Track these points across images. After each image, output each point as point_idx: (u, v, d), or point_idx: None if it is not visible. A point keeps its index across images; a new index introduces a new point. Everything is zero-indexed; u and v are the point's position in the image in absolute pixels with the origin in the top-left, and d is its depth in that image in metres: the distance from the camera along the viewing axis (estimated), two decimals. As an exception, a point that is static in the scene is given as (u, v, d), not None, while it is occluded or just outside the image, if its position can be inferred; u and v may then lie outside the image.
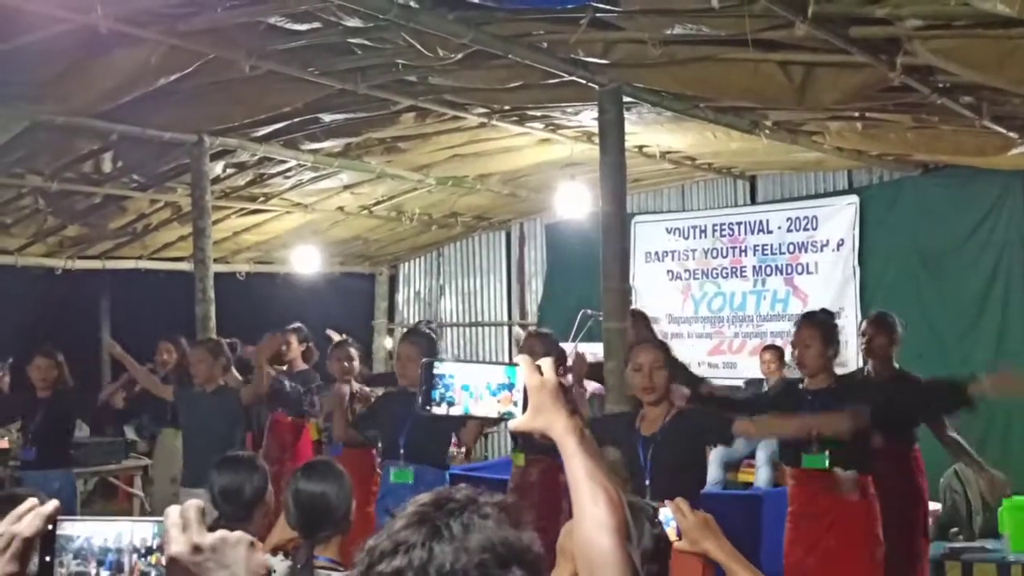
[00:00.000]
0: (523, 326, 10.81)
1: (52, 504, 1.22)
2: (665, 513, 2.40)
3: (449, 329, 11.92)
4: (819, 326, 5.08)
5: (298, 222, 9.77)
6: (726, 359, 9.76)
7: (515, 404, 1.64)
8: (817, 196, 9.61)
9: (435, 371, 1.64)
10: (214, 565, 1.17)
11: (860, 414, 4.66)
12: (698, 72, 5.37)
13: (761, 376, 8.42)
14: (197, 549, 1.18)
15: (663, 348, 4.72)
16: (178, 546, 1.18)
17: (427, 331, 6.13)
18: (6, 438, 8.28)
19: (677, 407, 4.57)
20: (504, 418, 1.66)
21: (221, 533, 1.20)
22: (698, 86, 5.64)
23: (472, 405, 1.65)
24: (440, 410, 1.64)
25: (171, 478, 7.55)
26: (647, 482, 4.45)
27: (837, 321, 5.37)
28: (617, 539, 1.51)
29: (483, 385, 1.65)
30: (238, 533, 1.21)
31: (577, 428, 1.61)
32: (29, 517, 1.20)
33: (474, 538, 1.28)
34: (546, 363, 1.66)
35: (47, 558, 1.21)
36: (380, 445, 5.77)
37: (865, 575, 4.79)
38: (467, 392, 1.65)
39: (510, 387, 1.64)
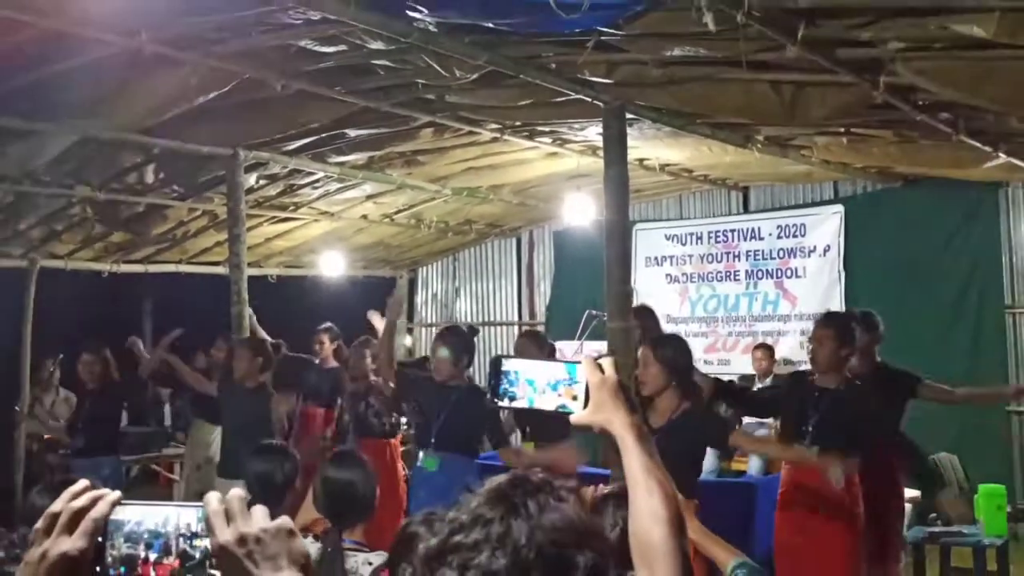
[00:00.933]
0: (531, 325, 10.80)
1: (117, 492, 1.21)
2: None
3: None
4: (833, 326, 5.02)
5: (325, 229, 9.78)
6: (720, 356, 9.75)
7: (575, 399, 1.64)
8: (805, 206, 9.60)
9: (502, 367, 1.65)
10: (260, 556, 1.16)
11: (851, 463, 4.68)
12: (695, 91, 5.37)
13: (753, 372, 8.41)
14: (243, 539, 1.16)
15: (665, 345, 4.69)
16: (225, 536, 1.16)
17: (465, 329, 6.01)
18: (49, 430, 8.32)
19: (685, 406, 4.53)
20: (563, 412, 1.65)
21: (263, 523, 1.18)
22: (695, 104, 5.63)
23: (536, 399, 1.66)
24: (505, 403, 1.65)
25: (197, 465, 7.58)
26: None
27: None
28: (670, 530, 1.52)
29: (546, 381, 1.65)
30: (279, 521, 1.19)
31: (636, 425, 1.60)
32: (103, 501, 1.19)
33: (549, 517, 1.26)
34: (607, 362, 1.65)
35: (99, 539, 1.20)
36: (413, 432, 5.78)
37: (846, 554, 4.79)
38: (531, 387, 1.65)
39: (571, 383, 1.64)
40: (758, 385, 8.27)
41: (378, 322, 6.13)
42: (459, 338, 5.69)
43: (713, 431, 4.65)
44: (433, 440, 5.43)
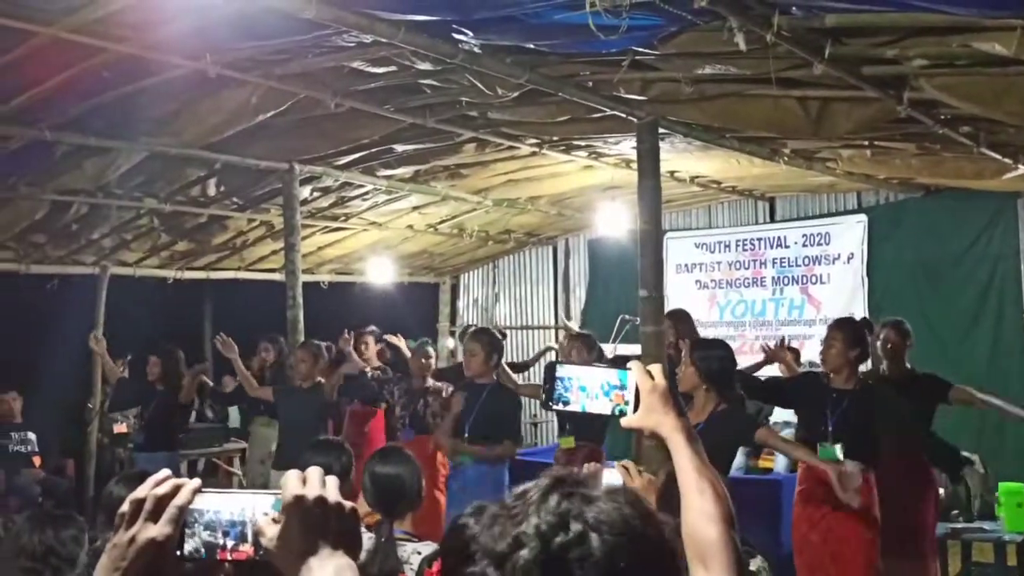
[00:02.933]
0: (567, 328, 10.78)
1: (197, 481, 1.22)
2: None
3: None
4: (843, 329, 5.03)
5: (373, 238, 9.84)
6: (748, 360, 9.64)
7: (626, 403, 1.64)
8: (829, 215, 9.49)
9: (557, 374, 1.64)
10: (325, 526, 1.15)
11: (868, 479, 4.66)
12: (725, 107, 5.33)
13: (779, 374, 8.31)
14: (320, 501, 1.16)
15: (702, 348, 4.66)
16: (303, 491, 1.16)
17: (491, 330, 6.07)
18: (124, 423, 8.45)
19: (723, 407, 4.49)
20: (616, 414, 1.65)
21: (339, 498, 1.18)
22: (725, 119, 5.60)
23: (588, 403, 1.66)
24: (559, 407, 1.64)
25: (260, 460, 7.66)
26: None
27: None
28: (723, 527, 1.51)
29: (598, 385, 1.65)
30: (352, 504, 1.19)
31: (685, 428, 1.60)
32: (184, 489, 1.20)
33: (621, 494, 1.14)
34: (656, 368, 1.65)
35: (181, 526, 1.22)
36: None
37: (861, 552, 4.73)
38: (584, 392, 1.65)
39: (622, 388, 1.64)
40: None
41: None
42: (490, 338, 5.73)
43: (745, 429, 4.61)
44: (466, 436, 5.46)
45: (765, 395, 5.58)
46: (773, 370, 6.22)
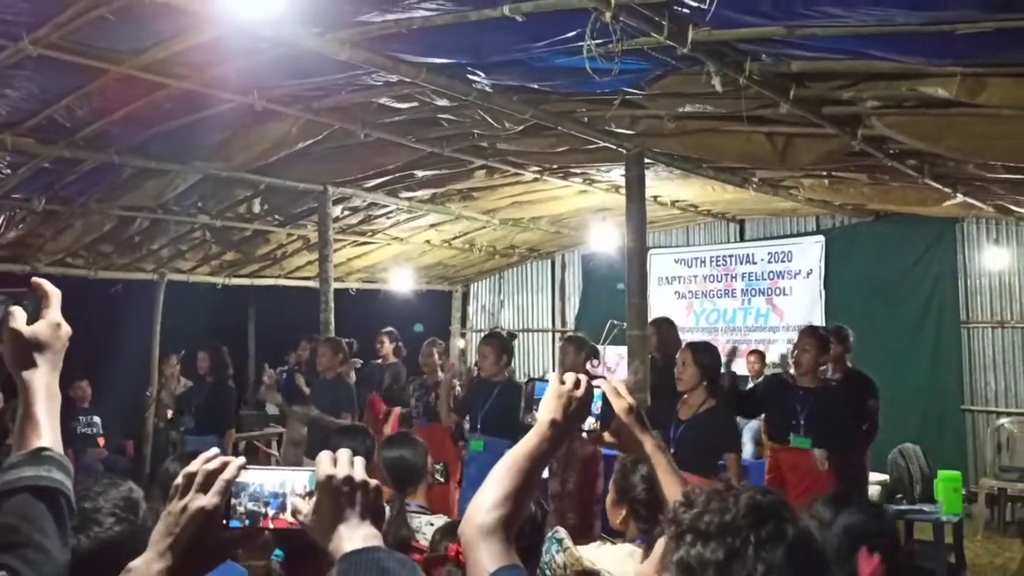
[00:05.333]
0: (563, 332, 10.78)
1: (242, 459, 1.22)
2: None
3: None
4: (816, 338, 5.04)
5: (395, 251, 9.83)
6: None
7: (597, 420, 1.61)
8: (792, 236, 9.48)
9: (535, 393, 1.61)
10: (356, 500, 1.15)
11: (831, 464, 4.66)
12: (702, 140, 5.33)
13: (747, 374, 8.31)
14: (349, 479, 1.15)
15: (704, 351, 4.64)
16: (334, 471, 1.16)
17: (505, 334, 6.05)
18: (171, 410, 8.44)
19: (710, 404, 4.47)
20: (591, 431, 1.62)
21: (366, 476, 1.17)
22: (702, 151, 5.60)
23: None
24: (531, 421, 1.59)
25: (295, 443, 7.62)
26: (672, 452, 4.41)
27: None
28: None
29: None
30: (377, 481, 1.18)
31: (658, 446, 1.67)
32: (231, 465, 1.20)
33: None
34: (622, 387, 1.65)
35: (228, 497, 1.21)
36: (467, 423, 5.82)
37: None
38: None
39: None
40: (750, 384, 8.18)
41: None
42: (501, 341, 5.72)
43: (727, 430, 4.59)
44: (479, 426, 5.45)
45: (739, 408, 5.56)
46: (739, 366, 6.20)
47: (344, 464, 1.17)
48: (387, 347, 7.77)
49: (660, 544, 1.14)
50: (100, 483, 1.73)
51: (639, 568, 1.16)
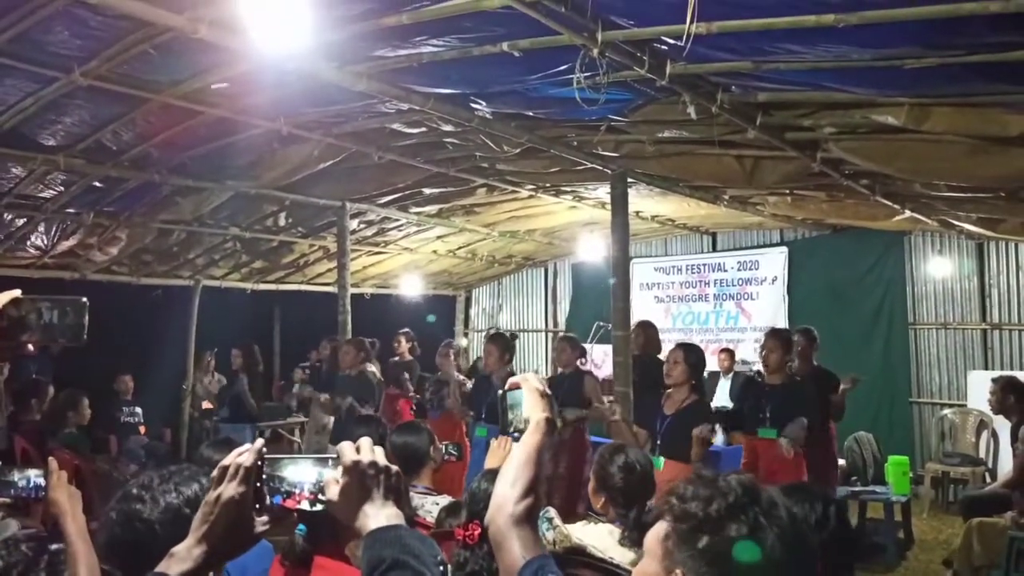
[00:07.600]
0: (555, 333, 10.77)
1: (260, 442, 1.20)
2: None
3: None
4: (781, 339, 5.05)
5: (405, 260, 9.82)
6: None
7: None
8: (759, 247, 9.49)
9: (509, 403, 1.54)
10: (380, 483, 1.15)
11: (797, 452, 4.62)
12: (679, 162, 5.34)
13: (718, 370, 8.31)
14: (373, 464, 1.15)
15: (692, 351, 4.62)
16: (358, 457, 1.15)
17: (505, 334, 6.06)
18: (208, 400, 8.42)
19: (693, 399, 4.46)
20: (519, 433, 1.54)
21: (386, 461, 1.17)
22: (678, 171, 5.61)
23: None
24: (516, 436, 1.52)
25: (316, 431, 7.61)
26: (658, 442, 4.41)
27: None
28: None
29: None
30: (395, 466, 1.18)
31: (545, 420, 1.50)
32: (248, 452, 1.18)
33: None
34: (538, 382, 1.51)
35: (258, 484, 1.20)
36: (472, 414, 5.81)
37: None
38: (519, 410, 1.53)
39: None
40: (722, 380, 8.19)
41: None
42: (504, 341, 5.73)
43: (707, 420, 4.57)
44: (483, 416, 5.44)
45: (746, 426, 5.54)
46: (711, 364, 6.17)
47: (367, 450, 1.17)
48: (403, 346, 7.77)
49: (654, 543, 1.11)
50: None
51: (639, 568, 1.12)
